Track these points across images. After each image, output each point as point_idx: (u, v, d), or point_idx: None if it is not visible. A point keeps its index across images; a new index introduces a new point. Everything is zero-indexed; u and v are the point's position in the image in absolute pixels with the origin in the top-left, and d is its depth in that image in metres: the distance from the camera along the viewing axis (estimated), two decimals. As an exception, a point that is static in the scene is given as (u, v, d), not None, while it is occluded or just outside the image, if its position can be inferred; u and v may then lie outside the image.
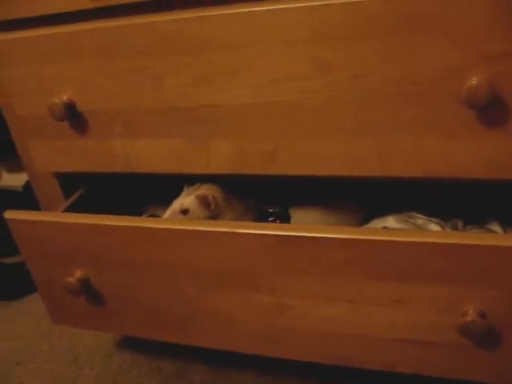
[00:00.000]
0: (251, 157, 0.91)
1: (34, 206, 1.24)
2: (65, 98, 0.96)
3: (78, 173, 1.08)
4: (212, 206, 1.05)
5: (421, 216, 1.02)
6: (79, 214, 0.99)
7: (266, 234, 0.83)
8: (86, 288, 1.02)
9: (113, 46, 0.90)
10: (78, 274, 1.01)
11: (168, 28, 0.85)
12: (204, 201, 1.06)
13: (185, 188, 1.13)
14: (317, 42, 0.77)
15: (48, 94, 0.97)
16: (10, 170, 1.64)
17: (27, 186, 1.47)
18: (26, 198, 1.39)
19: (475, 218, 1.03)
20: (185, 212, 1.06)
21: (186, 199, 1.07)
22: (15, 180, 1.60)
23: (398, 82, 0.76)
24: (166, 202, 1.14)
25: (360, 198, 1.11)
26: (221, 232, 0.86)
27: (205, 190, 1.08)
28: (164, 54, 0.87)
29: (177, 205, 1.08)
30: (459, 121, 0.76)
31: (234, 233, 0.85)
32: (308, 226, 0.85)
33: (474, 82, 0.70)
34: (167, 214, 1.08)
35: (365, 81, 0.78)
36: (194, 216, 1.05)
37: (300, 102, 0.83)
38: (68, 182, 1.18)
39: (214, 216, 1.06)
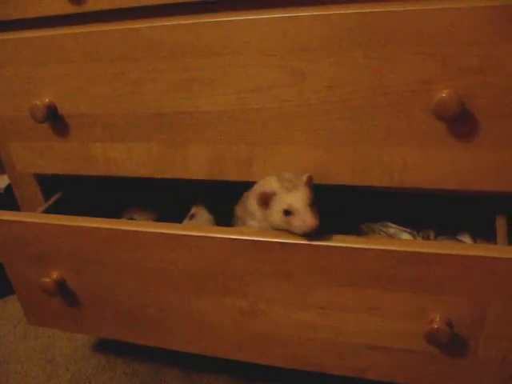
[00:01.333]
0: (228, 163, 0.92)
1: (16, 207, 1.24)
2: (46, 100, 0.97)
3: (58, 175, 1.09)
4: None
5: (393, 225, 1.03)
6: (55, 215, 1.00)
7: (238, 239, 0.84)
8: (62, 289, 1.03)
9: (95, 50, 0.90)
10: (55, 275, 1.02)
11: (149, 34, 0.86)
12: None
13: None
14: (292, 53, 0.79)
15: (29, 95, 0.98)
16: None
17: (9, 188, 1.46)
18: (7, 200, 1.38)
19: (447, 229, 1.04)
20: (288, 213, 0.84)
21: (295, 198, 0.83)
22: (-3, 182, 1.59)
23: (371, 94, 0.78)
24: (144, 205, 1.15)
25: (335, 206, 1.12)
26: (193, 236, 0.87)
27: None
28: (144, 60, 0.88)
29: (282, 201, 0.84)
30: (430, 133, 0.78)
31: (207, 237, 0.86)
32: (280, 233, 0.85)
33: (444, 95, 0.72)
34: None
35: (338, 91, 0.79)
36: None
37: (276, 111, 0.84)
38: (48, 184, 1.18)
39: None
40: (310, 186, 0.84)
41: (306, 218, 0.80)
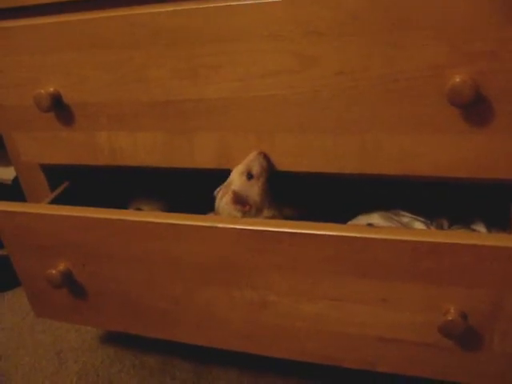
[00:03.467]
0: (235, 152, 0.90)
1: (24, 199, 1.24)
2: (51, 89, 0.96)
3: (64, 165, 1.08)
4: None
5: (407, 214, 1.01)
6: (63, 206, 0.99)
7: (247, 229, 0.83)
8: (69, 281, 1.02)
9: (99, 37, 0.89)
10: (61, 266, 1.01)
11: (154, 20, 0.84)
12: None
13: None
14: (300, 38, 0.77)
15: (34, 84, 0.97)
16: (0, 164, 1.62)
17: (16, 179, 1.46)
18: (15, 191, 1.37)
19: (461, 218, 1.02)
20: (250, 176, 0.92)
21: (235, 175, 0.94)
22: (5, 173, 1.59)
23: (382, 80, 0.76)
24: (151, 195, 1.14)
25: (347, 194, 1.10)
26: (202, 226, 0.85)
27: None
28: (149, 47, 0.87)
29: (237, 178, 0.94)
30: (443, 119, 0.76)
31: (215, 227, 0.84)
32: (290, 222, 0.84)
33: (458, 80, 0.70)
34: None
35: (347, 78, 0.78)
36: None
37: (284, 97, 0.83)
38: (54, 174, 1.17)
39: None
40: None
41: (254, 164, 0.91)
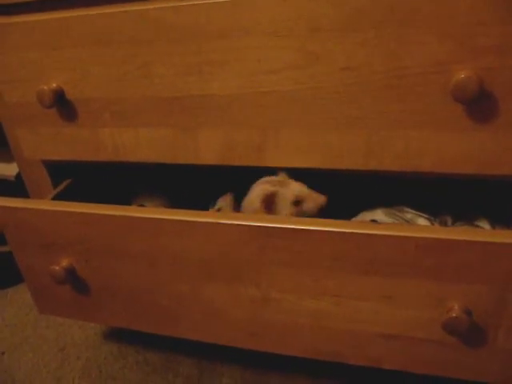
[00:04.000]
0: (239, 148, 0.90)
1: (27, 195, 1.24)
2: (54, 85, 0.96)
3: (67, 161, 1.07)
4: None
5: (410, 210, 1.01)
6: (66, 203, 0.99)
7: (250, 226, 0.83)
8: (72, 277, 1.02)
9: (103, 33, 0.89)
10: (64, 262, 1.01)
11: (158, 16, 0.84)
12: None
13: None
14: (305, 34, 0.77)
15: (36, 80, 0.97)
16: (3, 160, 1.63)
17: (20, 175, 1.46)
18: (18, 188, 1.38)
19: (465, 215, 1.02)
20: (297, 203, 0.92)
21: (298, 188, 0.93)
22: (8, 169, 1.59)
23: (386, 76, 0.76)
24: (155, 192, 1.13)
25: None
26: (205, 222, 0.85)
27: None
28: (154, 43, 0.86)
29: (288, 194, 0.93)
30: (447, 115, 0.75)
31: (218, 223, 0.84)
32: (293, 218, 0.84)
33: (463, 76, 0.70)
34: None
35: (352, 74, 0.77)
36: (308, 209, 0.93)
37: (288, 94, 0.82)
38: (57, 170, 1.17)
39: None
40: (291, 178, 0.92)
41: (316, 198, 0.88)
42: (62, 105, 0.98)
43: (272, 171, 0.97)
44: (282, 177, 0.95)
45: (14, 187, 1.50)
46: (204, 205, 1.14)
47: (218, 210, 1.10)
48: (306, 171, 0.89)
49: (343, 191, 1.10)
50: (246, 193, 1.02)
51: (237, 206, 1.09)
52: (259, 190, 0.95)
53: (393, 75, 0.75)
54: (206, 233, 0.86)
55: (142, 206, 1.20)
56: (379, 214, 0.99)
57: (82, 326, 1.46)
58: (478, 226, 0.98)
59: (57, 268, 0.99)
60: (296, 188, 0.92)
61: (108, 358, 1.33)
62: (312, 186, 1.02)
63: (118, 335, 1.41)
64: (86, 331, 1.44)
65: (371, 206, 1.04)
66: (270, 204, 0.91)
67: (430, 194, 1.05)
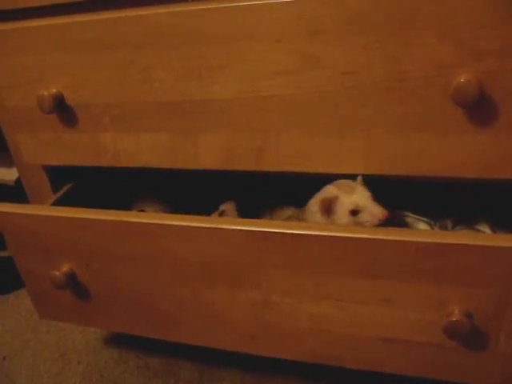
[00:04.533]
0: (239, 153, 0.90)
1: (26, 200, 1.24)
2: (54, 90, 0.96)
3: (67, 166, 1.07)
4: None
5: (410, 214, 1.01)
6: (66, 208, 0.99)
7: (251, 230, 0.83)
8: (73, 282, 1.02)
9: (102, 38, 0.89)
10: (65, 268, 1.01)
11: (158, 21, 0.84)
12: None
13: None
14: (305, 37, 0.77)
15: (36, 86, 0.97)
16: (3, 165, 1.62)
17: (19, 180, 1.46)
18: (18, 193, 1.37)
19: (465, 219, 1.02)
20: (355, 213, 0.87)
21: (359, 197, 0.87)
22: (8, 174, 1.59)
23: (387, 79, 0.76)
24: (155, 197, 1.13)
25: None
26: (205, 228, 0.85)
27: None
28: (153, 47, 0.86)
29: (348, 201, 0.88)
30: (448, 118, 0.75)
31: (219, 228, 0.84)
32: (294, 222, 0.84)
33: (463, 80, 0.70)
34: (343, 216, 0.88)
35: (352, 77, 0.77)
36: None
37: (289, 98, 0.82)
38: (57, 175, 1.17)
39: None
40: (365, 185, 0.88)
41: (375, 212, 0.84)
42: (62, 110, 0.98)
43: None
44: (356, 181, 0.90)
45: (14, 192, 1.50)
46: (205, 209, 1.14)
47: (221, 213, 1.10)
48: (307, 175, 0.89)
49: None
50: (248, 198, 1.02)
51: (239, 213, 1.09)
52: (323, 192, 0.92)
53: (393, 78, 0.75)
54: (206, 237, 0.86)
55: (142, 210, 1.20)
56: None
57: (82, 331, 1.46)
58: (478, 230, 0.98)
59: (57, 273, 0.99)
60: (358, 196, 0.87)
61: (109, 362, 1.33)
62: (312, 189, 1.03)
63: (118, 340, 1.41)
64: (86, 336, 1.44)
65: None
66: (328, 209, 0.88)
67: (430, 197, 1.05)
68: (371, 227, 0.83)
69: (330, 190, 0.90)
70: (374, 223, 0.84)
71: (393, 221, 0.98)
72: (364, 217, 0.85)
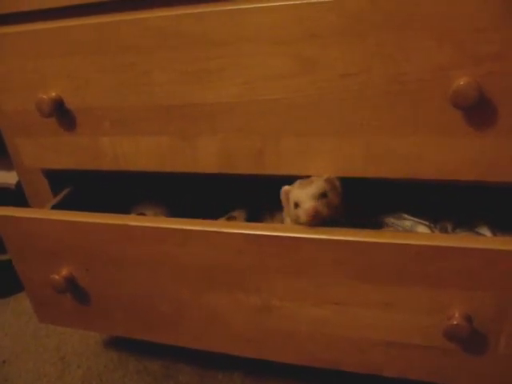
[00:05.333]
0: (239, 156, 0.90)
1: (27, 204, 1.24)
2: (53, 94, 0.96)
3: (67, 170, 1.07)
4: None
5: (409, 217, 1.01)
6: (66, 212, 0.99)
7: (250, 234, 0.83)
8: (72, 286, 1.02)
9: (101, 42, 0.89)
10: (64, 271, 1.01)
11: (157, 24, 0.84)
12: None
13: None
14: (303, 40, 0.77)
15: (36, 89, 0.97)
16: (3, 168, 1.63)
17: (20, 183, 1.46)
18: (18, 196, 1.38)
19: (465, 221, 1.02)
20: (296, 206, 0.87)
21: (302, 191, 0.87)
22: (8, 178, 1.59)
23: (386, 82, 0.75)
24: (155, 200, 1.13)
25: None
26: (205, 231, 0.85)
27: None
28: (153, 51, 0.86)
29: (293, 195, 0.88)
30: (447, 122, 0.75)
31: (219, 232, 0.84)
32: (294, 226, 0.84)
33: (462, 83, 0.70)
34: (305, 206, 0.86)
35: (351, 80, 0.77)
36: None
37: (288, 101, 0.82)
38: (57, 179, 1.17)
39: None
40: (328, 182, 0.87)
41: (306, 208, 0.83)
42: (62, 114, 0.97)
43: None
44: (322, 178, 0.88)
45: (14, 196, 1.50)
46: (205, 212, 1.14)
47: (229, 218, 1.10)
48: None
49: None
50: (249, 202, 1.02)
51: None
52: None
53: (393, 81, 0.75)
54: (207, 241, 0.86)
55: (142, 214, 1.19)
56: (378, 223, 0.99)
57: (82, 335, 1.45)
58: (478, 233, 0.98)
59: (57, 277, 0.99)
60: (299, 192, 0.87)
61: (108, 366, 1.33)
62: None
63: (118, 344, 1.41)
64: (86, 340, 1.44)
65: (368, 214, 1.04)
66: (285, 200, 0.91)
67: (430, 200, 1.05)
68: (305, 223, 0.84)
69: (293, 184, 0.91)
70: (304, 219, 0.83)
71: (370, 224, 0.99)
72: (299, 211, 0.85)
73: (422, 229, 0.99)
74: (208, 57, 0.83)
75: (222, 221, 1.04)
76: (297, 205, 0.85)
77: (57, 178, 1.17)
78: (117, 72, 0.91)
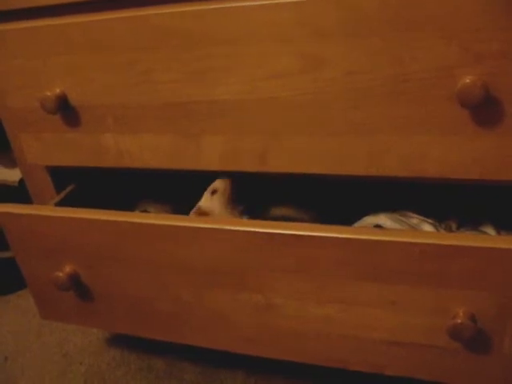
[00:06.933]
0: (242, 154, 0.90)
1: (30, 201, 1.23)
2: (57, 91, 0.95)
3: (70, 167, 1.07)
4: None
5: (415, 215, 1.01)
6: (69, 209, 0.99)
7: (254, 232, 0.82)
8: (76, 283, 1.02)
9: (105, 39, 0.88)
10: (68, 269, 1.01)
11: (160, 22, 0.84)
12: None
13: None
14: (308, 39, 0.76)
15: (40, 86, 0.97)
16: (6, 165, 1.63)
17: (23, 180, 1.46)
18: (21, 193, 1.38)
19: (470, 220, 1.02)
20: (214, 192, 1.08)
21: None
22: (11, 175, 1.59)
23: (391, 80, 0.75)
24: (158, 197, 1.13)
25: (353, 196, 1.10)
26: (209, 229, 0.85)
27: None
28: (156, 49, 0.86)
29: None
30: (452, 120, 0.75)
31: (222, 229, 0.84)
32: (297, 224, 0.84)
33: (468, 81, 0.69)
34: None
35: (356, 79, 0.77)
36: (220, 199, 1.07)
37: (292, 99, 0.82)
38: (60, 176, 1.17)
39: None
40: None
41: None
42: (66, 111, 0.97)
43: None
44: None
45: (18, 193, 1.50)
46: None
47: (213, 192, 1.09)
48: (310, 176, 0.89)
49: (346, 195, 1.10)
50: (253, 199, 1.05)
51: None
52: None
53: (398, 80, 0.75)
54: (210, 239, 0.86)
55: (145, 211, 1.19)
56: (383, 219, 0.99)
57: (84, 332, 1.45)
58: (483, 232, 0.98)
59: (60, 274, 0.99)
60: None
61: (111, 364, 1.33)
62: (314, 191, 1.03)
63: (121, 341, 1.41)
64: (88, 337, 1.44)
65: (374, 210, 1.04)
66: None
67: (434, 198, 1.05)
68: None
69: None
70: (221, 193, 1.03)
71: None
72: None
73: (427, 227, 0.98)
74: (211, 55, 0.83)
75: (223, 218, 1.04)
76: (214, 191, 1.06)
77: (60, 175, 1.16)
78: (120, 70, 0.90)
